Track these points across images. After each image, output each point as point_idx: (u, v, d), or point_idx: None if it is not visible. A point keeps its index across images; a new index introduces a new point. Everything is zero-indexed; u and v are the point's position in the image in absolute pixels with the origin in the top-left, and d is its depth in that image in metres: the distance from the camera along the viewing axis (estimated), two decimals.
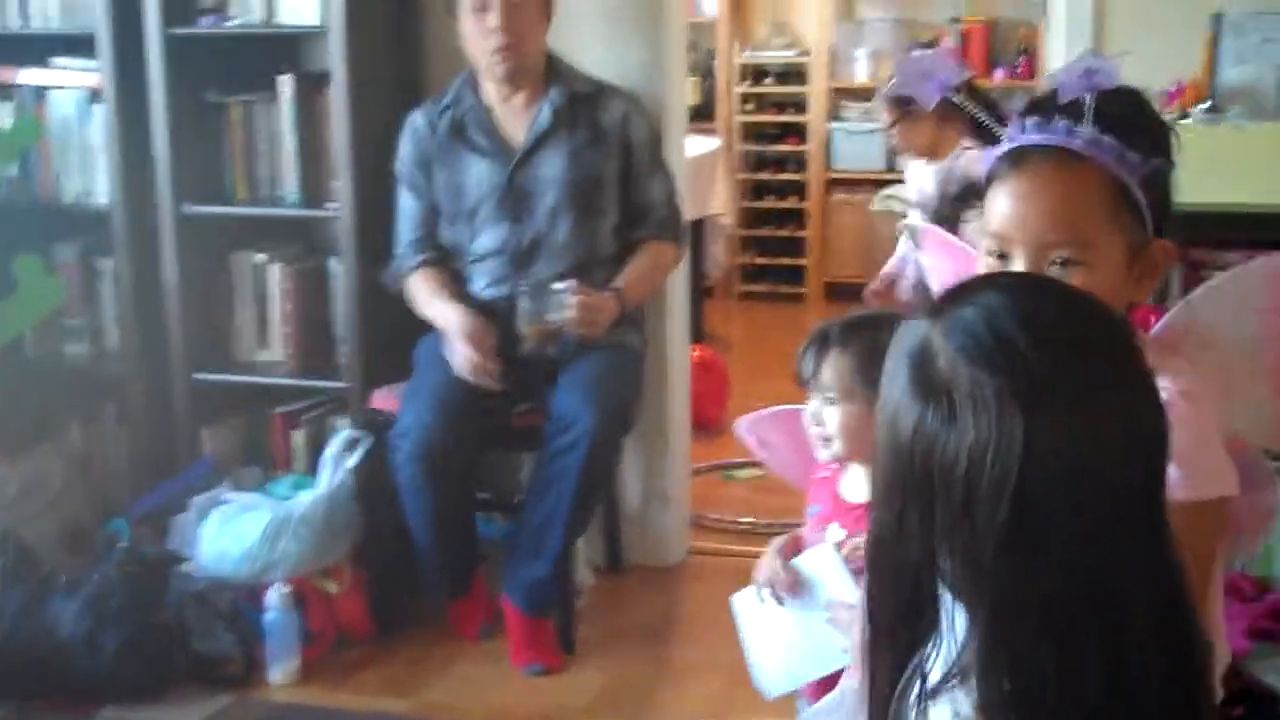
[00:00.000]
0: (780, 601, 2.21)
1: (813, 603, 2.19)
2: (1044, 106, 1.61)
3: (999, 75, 7.21)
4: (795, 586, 2.20)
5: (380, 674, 3.41)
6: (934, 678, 1.15)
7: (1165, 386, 1.53)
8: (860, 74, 7.61)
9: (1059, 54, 3.83)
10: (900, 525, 1.15)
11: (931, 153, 4.03)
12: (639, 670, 3.44)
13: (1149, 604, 1.11)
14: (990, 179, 1.62)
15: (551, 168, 3.48)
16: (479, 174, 3.50)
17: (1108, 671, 1.09)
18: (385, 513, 3.50)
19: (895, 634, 1.19)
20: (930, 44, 7.42)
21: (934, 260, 2.09)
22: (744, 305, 7.67)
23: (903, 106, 4.03)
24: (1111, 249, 1.56)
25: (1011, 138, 1.60)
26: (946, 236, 2.08)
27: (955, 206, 2.60)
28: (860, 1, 7.74)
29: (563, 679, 3.38)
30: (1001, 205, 1.57)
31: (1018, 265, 1.55)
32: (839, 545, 2.17)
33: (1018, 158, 1.58)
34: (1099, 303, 1.20)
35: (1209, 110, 3.31)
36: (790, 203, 7.72)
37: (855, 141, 7.57)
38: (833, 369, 2.12)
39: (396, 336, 3.67)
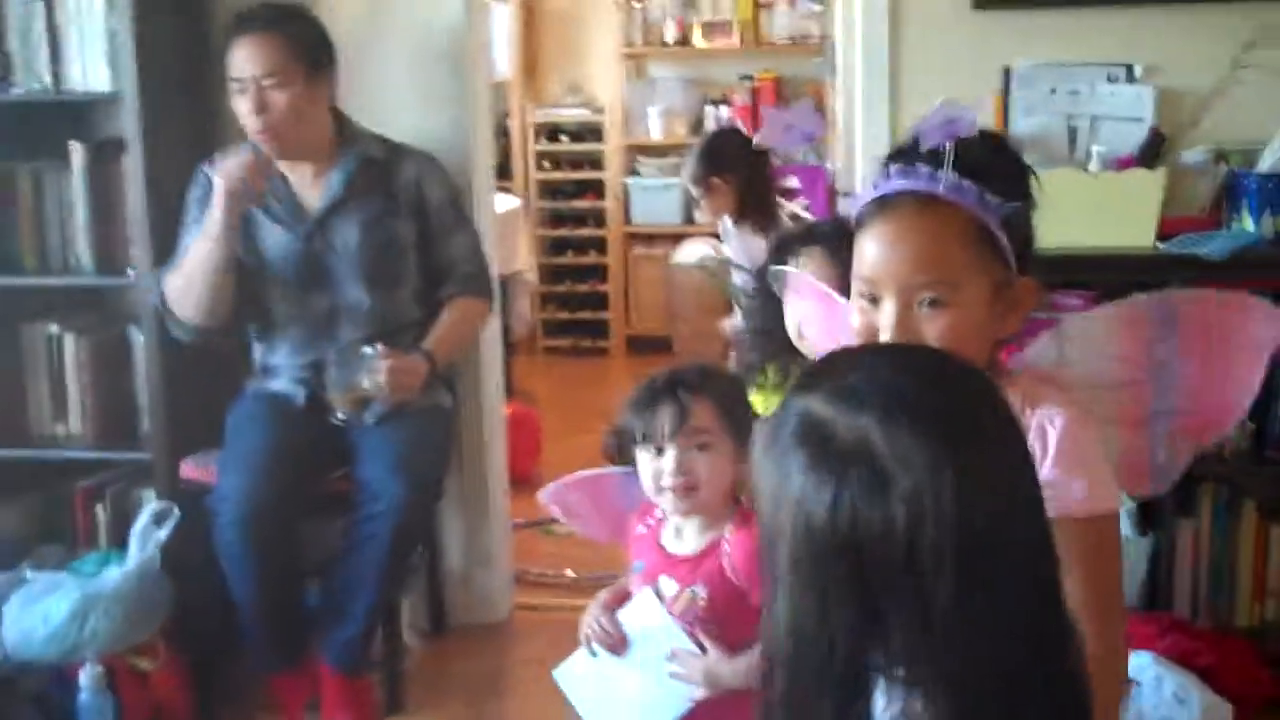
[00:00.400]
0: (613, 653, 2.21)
1: (645, 654, 2.18)
2: (906, 154, 1.65)
3: None
4: (623, 642, 2.20)
5: None
6: None
7: (1055, 409, 1.59)
8: (654, 131, 7.70)
9: (854, 110, 3.93)
10: (824, 613, 1.11)
11: (739, 213, 4.15)
12: None
13: (1072, 637, 1.15)
14: (858, 224, 1.66)
15: (346, 236, 3.42)
16: (274, 241, 3.44)
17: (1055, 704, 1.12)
18: (200, 585, 3.40)
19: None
20: (721, 101, 7.60)
21: (801, 304, 2.11)
22: (549, 360, 7.66)
23: (707, 180, 4.16)
24: (976, 288, 1.60)
25: (876, 185, 1.65)
26: (814, 282, 2.10)
27: (776, 259, 2.66)
28: (651, 61, 7.85)
29: None
30: (870, 250, 1.61)
31: (888, 307, 1.59)
32: (674, 598, 2.16)
33: (883, 204, 1.62)
34: (955, 354, 1.24)
35: None
36: (591, 258, 7.75)
37: (652, 196, 7.65)
38: (705, 413, 2.10)
39: (204, 404, 3.58)
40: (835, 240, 2.40)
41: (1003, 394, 1.20)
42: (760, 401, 2.63)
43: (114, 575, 3.33)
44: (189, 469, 3.52)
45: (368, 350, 3.29)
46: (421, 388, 3.36)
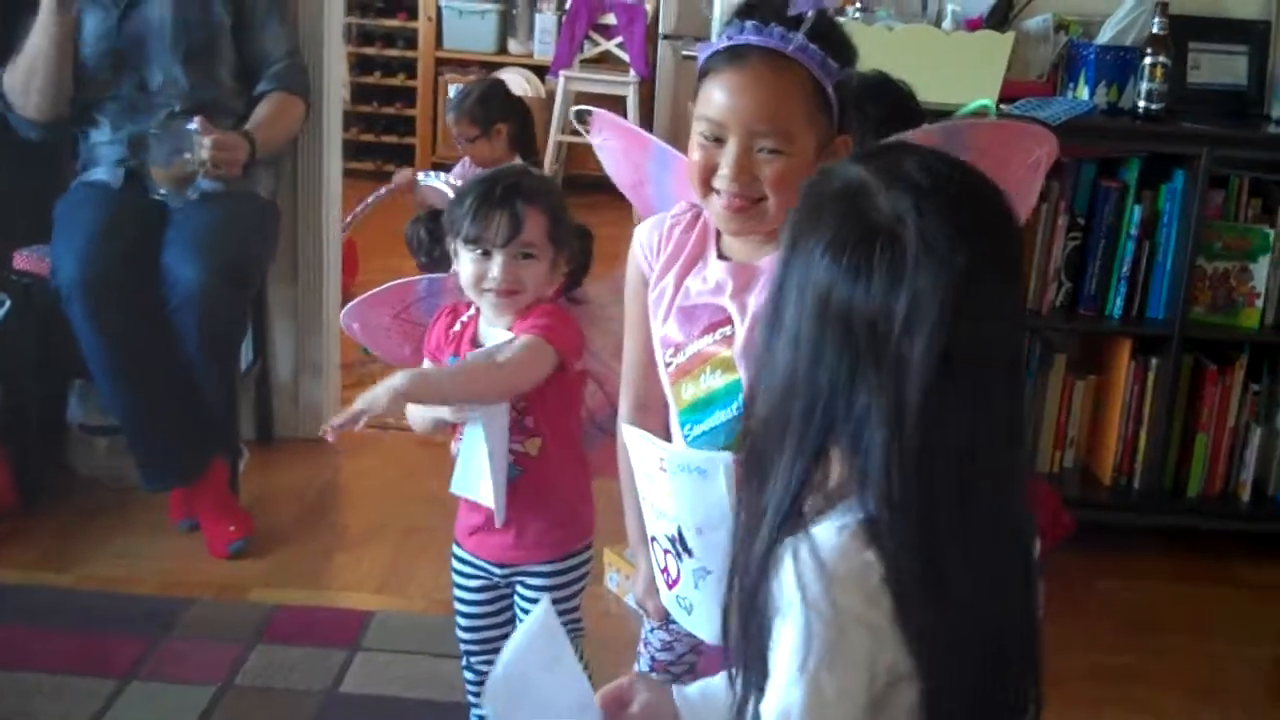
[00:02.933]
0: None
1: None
2: (760, 10, 1.75)
3: None
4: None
5: (34, 547, 3.27)
6: (817, 499, 1.23)
7: None
8: None
9: None
10: (815, 364, 1.19)
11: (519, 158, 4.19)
12: (310, 538, 3.42)
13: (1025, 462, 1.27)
14: (707, 70, 1.76)
15: (161, 11, 3.40)
16: (93, 23, 3.39)
17: (997, 502, 1.22)
18: (28, 380, 3.33)
19: (793, 465, 1.22)
20: None
21: (608, 141, 2.16)
22: (351, 182, 7.50)
23: (491, 124, 4.16)
24: (807, 140, 1.73)
25: (729, 35, 1.74)
26: (619, 120, 2.19)
27: None
28: None
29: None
30: (719, 95, 1.72)
31: (730, 148, 1.71)
32: None
33: (737, 54, 1.73)
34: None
35: (861, 11, 3.52)
36: (399, 80, 7.62)
37: (466, 21, 7.52)
38: (536, 225, 2.15)
39: (34, 200, 3.48)
40: None
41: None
42: None
43: None
44: (21, 260, 3.43)
45: (189, 125, 3.28)
46: (242, 168, 3.37)
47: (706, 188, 1.75)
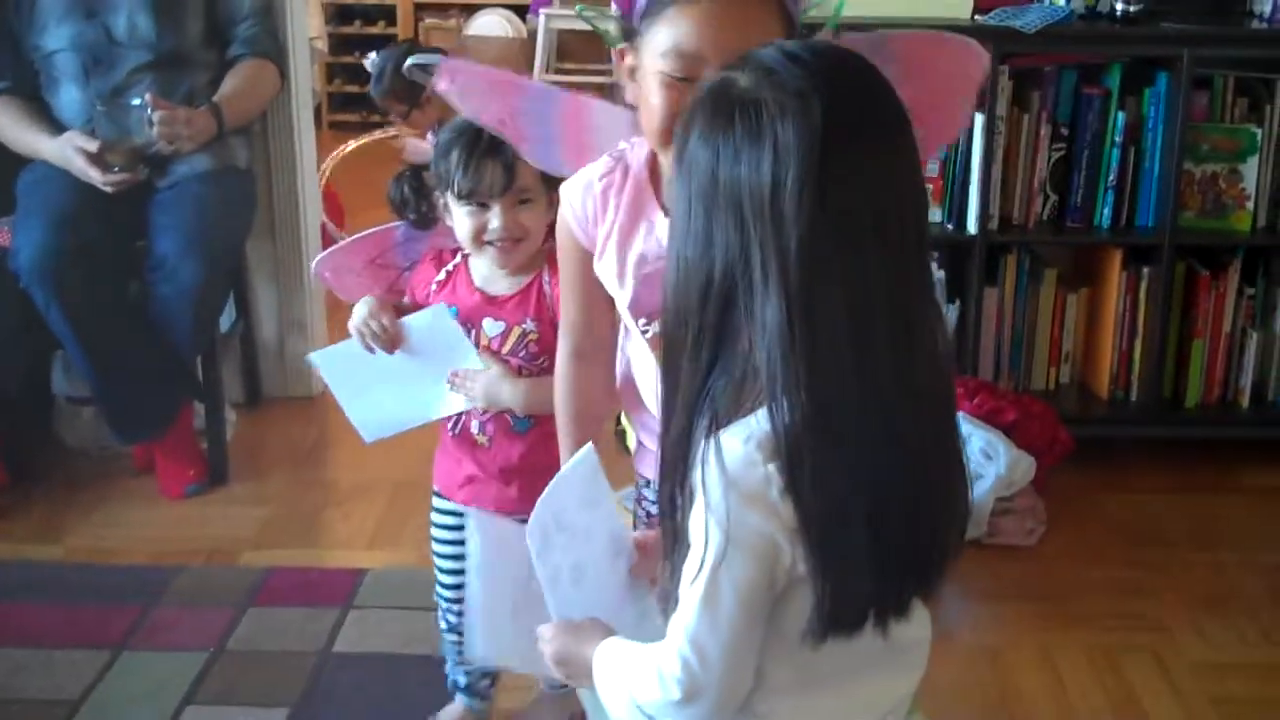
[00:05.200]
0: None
1: (424, 356, 2.21)
2: None
3: None
4: (398, 342, 2.22)
5: (22, 522, 3.25)
6: (729, 395, 1.26)
7: None
8: None
9: None
10: (708, 237, 1.24)
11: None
12: (300, 497, 3.39)
13: (933, 318, 1.28)
14: (663, 2, 1.63)
15: None
16: None
17: (901, 381, 1.23)
18: (9, 353, 3.30)
19: (699, 352, 1.27)
20: None
21: (466, 87, 2.03)
22: (335, 135, 7.46)
23: (412, 96, 4.03)
24: None
25: None
26: (474, 66, 2.11)
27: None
28: None
29: (224, 511, 3.31)
30: (691, 26, 1.60)
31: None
32: (502, 335, 2.19)
33: None
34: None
35: None
36: (379, 28, 7.53)
37: None
38: (528, 171, 2.10)
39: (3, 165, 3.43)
40: None
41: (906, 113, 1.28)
42: None
43: None
44: None
45: (135, 102, 3.27)
46: (211, 142, 3.36)
47: (670, 137, 1.54)
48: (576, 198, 1.84)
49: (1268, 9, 3.39)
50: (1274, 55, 3.44)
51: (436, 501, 2.34)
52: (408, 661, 2.67)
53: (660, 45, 1.62)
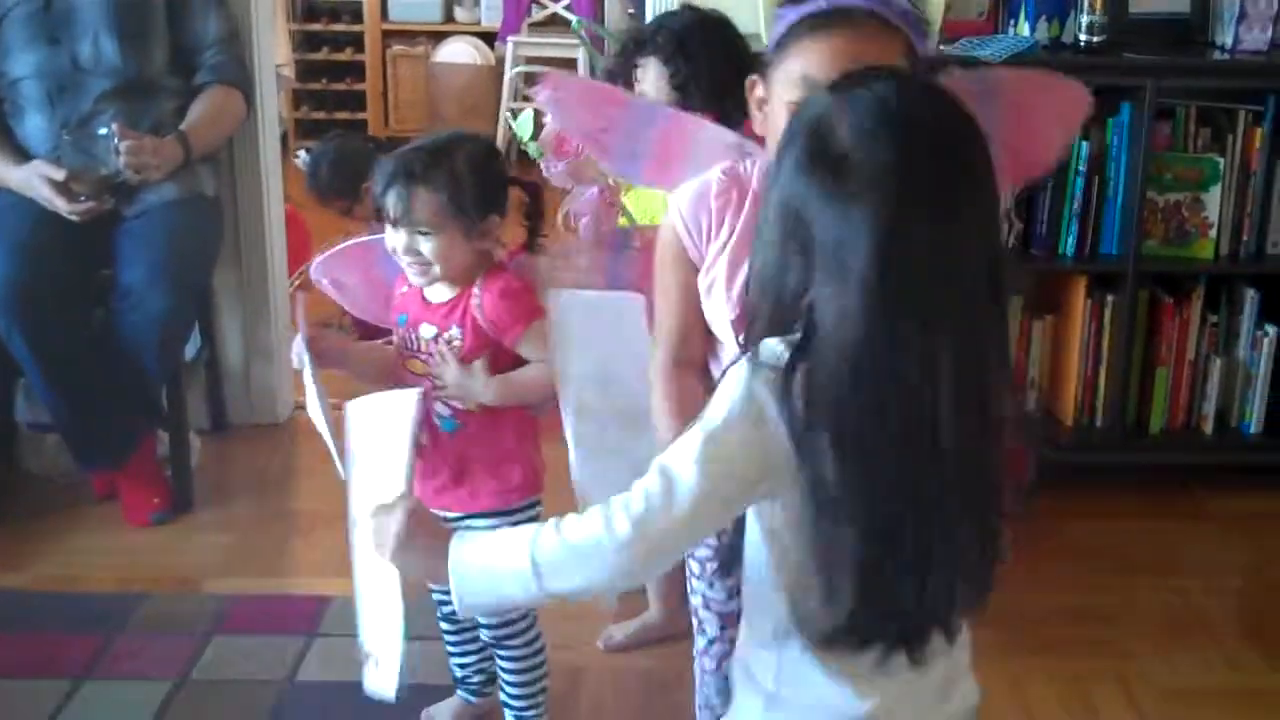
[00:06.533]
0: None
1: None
2: None
3: None
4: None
5: None
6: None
7: None
8: None
9: None
10: (783, 260, 1.32)
11: None
12: (265, 526, 3.37)
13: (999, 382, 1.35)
14: (799, 32, 1.74)
15: None
16: None
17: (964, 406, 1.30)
18: None
19: (771, 323, 1.35)
20: None
21: (563, 98, 2.13)
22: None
23: (352, 192, 4.06)
24: None
25: None
26: (569, 75, 2.17)
27: (631, 55, 2.69)
28: None
29: (188, 539, 3.29)
30: (822, 55, 1.70)
31: None
32: (433, 339, 2.26)
33: (839, 15, 1.72)
34: (970, 113, 1.34)
35: None
36: (347, 55, 7.52)
37: None
38: (425, 205, 2.17)
39: None
40: (670, 49, 2.59)
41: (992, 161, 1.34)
42: (634, 201, 2.69)
43: None
44: None
45: (103, 131, 3.25)
46: (177, 171, 3.35)
47: None
48: (688, 210, 1.92)
49: (1229, 40, 3.43)
50: (1236, 86, 3.48)
51: None
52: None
53: (792, 74, 1.73)
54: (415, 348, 2.29)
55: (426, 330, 2.27)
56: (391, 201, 2.17)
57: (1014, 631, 2.91)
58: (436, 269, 2.21)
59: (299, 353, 2.23)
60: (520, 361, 2.26)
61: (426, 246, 2.19)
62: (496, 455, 2.31)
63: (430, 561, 1.47)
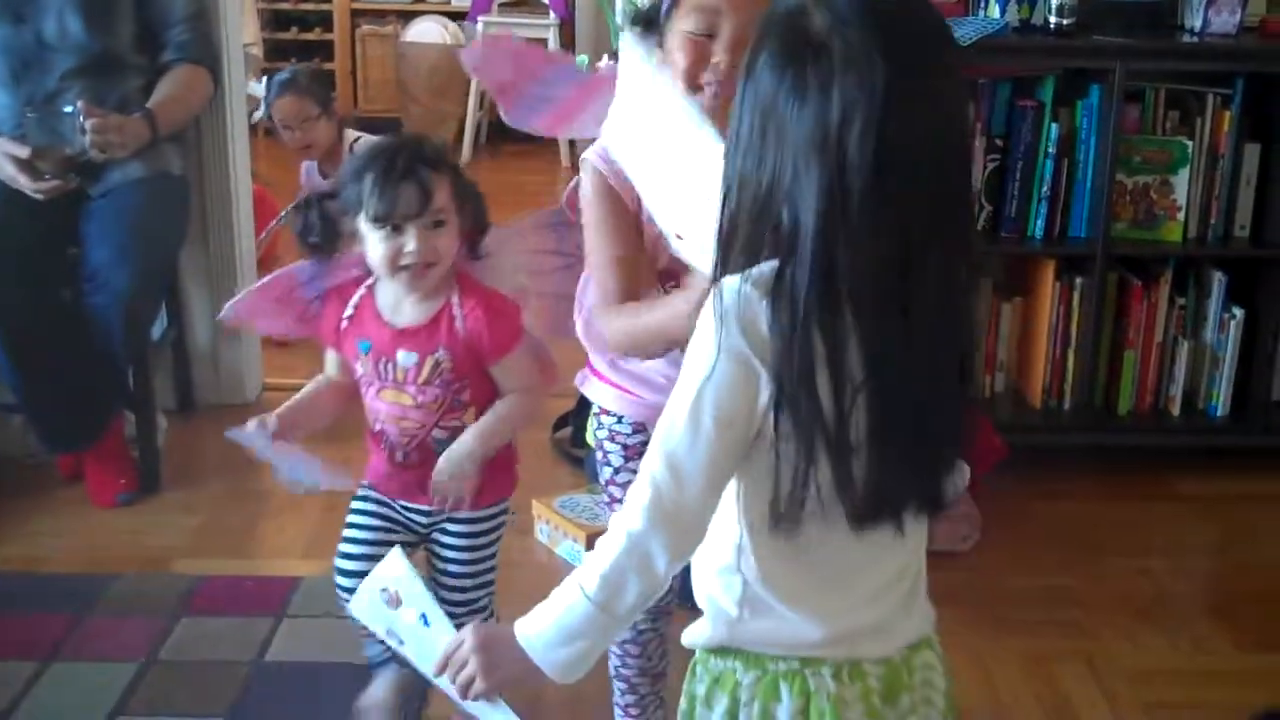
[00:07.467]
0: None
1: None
2: None
3: None
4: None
5: None
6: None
7: None
8: None
9: None
10: (760, 156, 1.31)
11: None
12: (233, 506, 3.36)
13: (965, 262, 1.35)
14: None
15: None
16: None
17: (944, 281, 1.31)
18: None
19: (749, 246, 1.34)
20: None
21: (487, 53, 2.19)
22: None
23: (325, 102, 4.02)
24: None
25: None
26: (505, 38, 2.21)
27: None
28: None
29: (156, 520, 3.27)
30: None
31: (725, 33, 1.81)
32: (417, 366, 2.18)
33: None
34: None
35: None
36: (316, 34, 7.48)
37: None
38: (444, 191, 2.12)
39: None
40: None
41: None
42: None
43: None
44: None
45: (68, 108, 3.23)
46: (143, 149, 3.33)
47: (692, 87, 1.82)
48: (604, 155, 1.92)
49: (1198, 23, 3.44)
50: (1204, 69, 3.50)
51: (367, 491, 2.34)
52: (341, 670, 2.63)
53: (684, 9, 1.83)
54: (389, 377, 2.20)
55: (406, 358, 2.18)
56: (407, 194, 2.07)
57: (981, 611, 2.92)
58: (440, 269, 2.14)
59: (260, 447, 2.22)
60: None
61: (443, 240, 2.12)
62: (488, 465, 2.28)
63: (514, 669, 1.47)
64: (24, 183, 3.17)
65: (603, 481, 2.26)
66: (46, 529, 3.23)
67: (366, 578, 1.73)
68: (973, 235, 1.44)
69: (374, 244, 2.12)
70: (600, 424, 2.22)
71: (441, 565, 2.34)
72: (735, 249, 1.35)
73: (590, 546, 3.01)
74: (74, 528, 3.24)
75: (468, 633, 1.52)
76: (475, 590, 2.34)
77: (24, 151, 3.17)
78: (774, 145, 1.30)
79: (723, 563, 1.44)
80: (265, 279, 2.33)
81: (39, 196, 3.19)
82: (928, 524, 1.51)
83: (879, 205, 1.26)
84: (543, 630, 1.44)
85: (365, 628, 1.88)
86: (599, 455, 2.23)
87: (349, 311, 2.22)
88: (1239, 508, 3.48)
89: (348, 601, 2.31)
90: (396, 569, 1.69)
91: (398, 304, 2.19)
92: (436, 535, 2.33)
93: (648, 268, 1.96)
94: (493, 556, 2.35)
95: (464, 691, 1.51)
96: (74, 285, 3.23)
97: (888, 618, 1.48)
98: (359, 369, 2.23)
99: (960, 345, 1.38)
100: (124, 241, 3.20)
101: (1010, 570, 3.10)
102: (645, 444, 2.15)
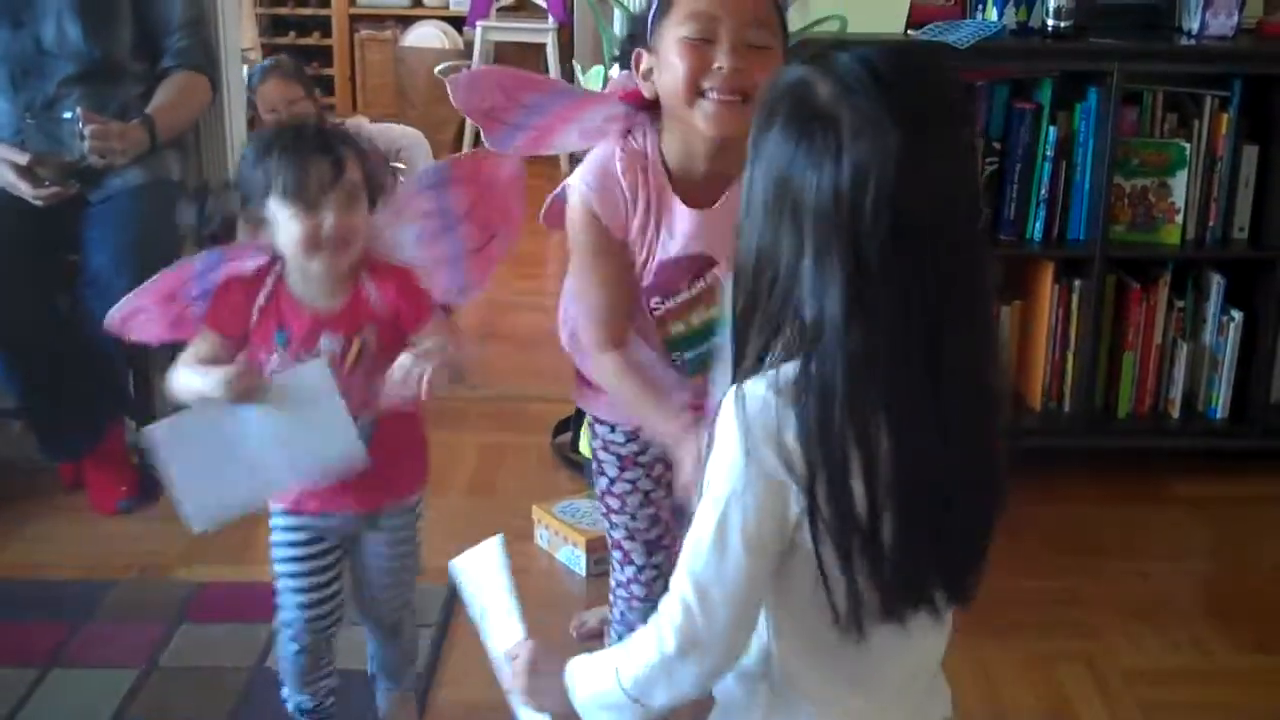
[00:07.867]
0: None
1: (282, 421, 2.06)
2: None
3: None
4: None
5: None
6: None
7: None
8: None
9: None
10: (776, 234, 1.30)
11: None
12: None
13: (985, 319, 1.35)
14: None
15: None
16: None
17: (962, 354, 1.29)
18: None
19: (766, 329, 1.33)
20: None
21: (476, 87, 2.11)
22: None
23: (309, 87, 4.03)
24: (781, 39, 1.90)
25: None
26: (503, 70, 2.17)
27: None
28: None
29: (156, 527, 3.25)
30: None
31: (725, 40, 1.83)
32: (345, 350, 2.11)
33: None
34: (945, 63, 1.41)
35: None
36: (314, 39, 7.49)
37: None
38: (355, 165, 2.05)
39: None
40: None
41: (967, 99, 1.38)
42: None
43: None
44: None
45: (67, 115, 3.23)
46: (143, 155, 3.33)
47: (694, 93, 1.83)
48: (598, 189, 1.96)
49: (1195, 25, 3.44)
50: (1202, 71, 3.50)
51: (287, 519, 2.27)
52: (339, 676, 2.65)
53: (678, 17, 1.84)
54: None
55: (329, 343, 2.10)
56: (319, 169, 1.99)
57: (980, 613, 2.86)
58: (356, 248, 2.06)
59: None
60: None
61: (359, 216, 2.04)
62: (410, 438, 2.25)
63: (557, 703, 1.48)
64: (23, 189, 3.17)
65: (599, 492, 2.27)
66: (46, 535, 3.23)
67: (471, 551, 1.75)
68: (990, 308, 1.42)
69: (287, 225, 2.02)
70: (595, 434, 2.23)
71: (374, 563, 2.32)
72: (752, 334, 1.33)
73: (590, 552, 3.05)
74: (74, 534, 3.24)
75: (523, 648, 1.56)
76: (407, 590, 2.38)
77: (23, 158, 3.18)
78: (790, 220, 1.28)
79: (747, 668, 1.43)
80: (156, 277, 2.17)
81: (38, 203, 3.19)
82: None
83: (900, 276, 1.24)
84: (584, 696, 1.45)
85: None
86: (594, 466, 2.24)
87: (261, 301, 2.10)
88: (1238, 510, 3.48)
89: (332, 635, 2.35)
90: (494, 554, 1.72)
91: (307, 289, 2.10)
92: (365, 534, 2.29)
93: (635, 285, 2.01)
94: (417, 550, 2.36)
95: (505, 686, 1.57)
96: (73, 291, 3.23)
97: (912, 712, 1.50)
98: (272, 362, 2.11)
99: (993, 418, 1.36)
100: (124, 247, 3.19)
101: (1009, 572, 3.07)
102: (640, 452, 2.19)
